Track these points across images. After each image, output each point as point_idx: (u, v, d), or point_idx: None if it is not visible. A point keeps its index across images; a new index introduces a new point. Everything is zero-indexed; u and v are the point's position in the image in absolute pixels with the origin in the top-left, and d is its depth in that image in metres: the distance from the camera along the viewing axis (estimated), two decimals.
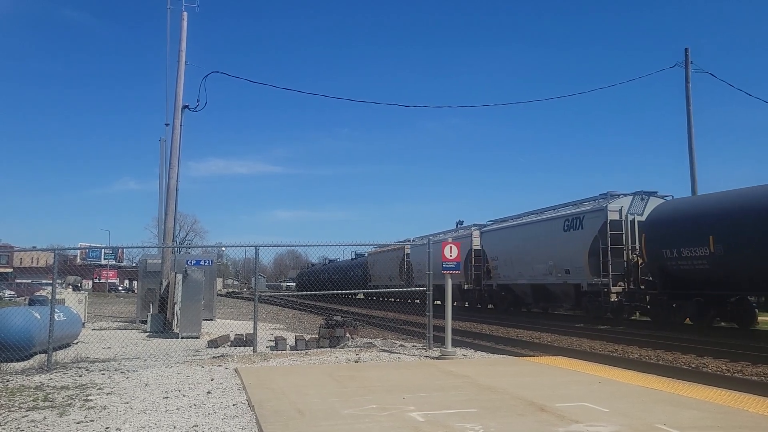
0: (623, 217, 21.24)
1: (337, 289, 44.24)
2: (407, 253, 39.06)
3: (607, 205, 21.28)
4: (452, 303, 12.89)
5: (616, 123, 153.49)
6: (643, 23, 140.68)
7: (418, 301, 32.74)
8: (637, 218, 21.12)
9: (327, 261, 58.29)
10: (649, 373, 9.25)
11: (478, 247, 30.67)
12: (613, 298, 20.52)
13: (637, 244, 20.66)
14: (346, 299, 47.57)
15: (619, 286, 20.67)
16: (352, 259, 51.64)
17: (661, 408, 6.47)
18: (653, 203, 21.03)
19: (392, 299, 42.40)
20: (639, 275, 20.58)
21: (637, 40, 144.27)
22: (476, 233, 31.05)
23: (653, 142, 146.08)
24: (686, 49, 28.22)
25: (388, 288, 39.24)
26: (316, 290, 44.85)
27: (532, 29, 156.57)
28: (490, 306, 30.85)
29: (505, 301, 29.05)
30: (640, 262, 20.45)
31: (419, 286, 33.38)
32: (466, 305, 32.88)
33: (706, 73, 28.61)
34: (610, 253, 20.65)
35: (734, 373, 10.65)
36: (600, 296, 21.16)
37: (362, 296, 49.58)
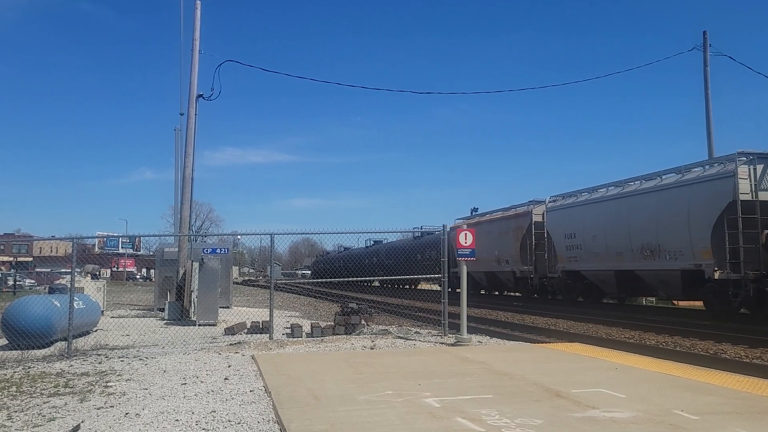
0: None
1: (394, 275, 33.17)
2: (535, 221, 26.56)
3: None
4: None
5: (632, 109, 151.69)
6: (659, 8, 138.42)
7: (560, 297, 24.91)
8: None
9: (372, 243, 51.40)
10: (666, 360, 9.19)
11: None
12: None
13: None
14: (393, 289, 40.17)
15: None
16: (415, 237, 39.88)
17: (679, 394, 6.43)
18: None
19: (497, 292, 31.89)
20: None
21: (653, 25, 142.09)
22: None
23: (670, 127, 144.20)
24: (704, 32, 27.65)
25: (498, 272, 27.69)
26: (356, 277, 37.81)
27: (546, 15, 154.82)
28: None
29: None
30: None
31: (565, 271, 23.42)
32: None
33: (725, 56, 28.12)
34: None
35: (753, 359, 10.54)
36: None
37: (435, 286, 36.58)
